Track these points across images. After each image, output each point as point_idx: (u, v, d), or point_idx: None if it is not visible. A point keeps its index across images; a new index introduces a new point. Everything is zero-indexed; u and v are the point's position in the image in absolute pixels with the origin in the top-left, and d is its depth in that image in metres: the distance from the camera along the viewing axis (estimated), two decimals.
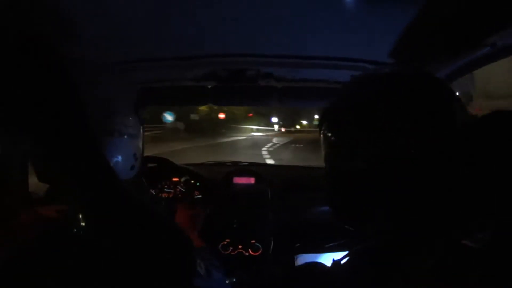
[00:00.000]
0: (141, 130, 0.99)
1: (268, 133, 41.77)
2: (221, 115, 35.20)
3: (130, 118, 0.94)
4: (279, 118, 56.53)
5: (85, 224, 0.61)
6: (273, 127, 51.31)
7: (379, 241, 0.61)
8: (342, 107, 0.70)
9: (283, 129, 51.53)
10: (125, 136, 0.89)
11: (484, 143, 0.50)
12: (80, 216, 0.62)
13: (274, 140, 26.57)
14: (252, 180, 2.07)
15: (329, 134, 0.71)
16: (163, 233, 0.68)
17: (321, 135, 0.75)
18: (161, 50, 1.39)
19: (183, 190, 1.99)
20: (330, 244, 1.52)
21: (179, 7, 1.02)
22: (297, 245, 1.68)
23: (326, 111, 0.74)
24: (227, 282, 1.12)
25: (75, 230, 0.60)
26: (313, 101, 1.91)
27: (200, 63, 1.49)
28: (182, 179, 2.01)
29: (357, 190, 0.66)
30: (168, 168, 2.04)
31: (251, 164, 2.34)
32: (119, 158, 0.87)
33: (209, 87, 1.74)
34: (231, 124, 38.52)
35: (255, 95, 1.86)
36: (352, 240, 0.78)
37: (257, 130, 43.51)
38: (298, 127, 59.42)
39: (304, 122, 65.08)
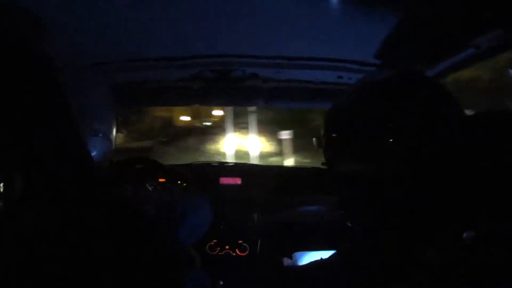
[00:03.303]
0: (114, 132, 0.97)
1: None
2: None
3: (105, 118, 0.92)
4: None
5: (65, 225, 0.61)
6: None
7: (369, 239, 0.62)
8: (348, 110, 0.72)
9: None
10: (98, 136, 0.88)
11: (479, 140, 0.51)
12: (60, 216, 0.62)
13: None
14: (238, 181, 2.07)
15: (335, 135, 0.73)
16: (149, 237, 0.68)
17: (325, 137, 0.76)
18: (146, 51, 1.38)
19: (170, 191, 1.98)
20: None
21: (164, 7, 1.02)
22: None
23: (332, 115, 0.76)
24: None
25: (56, 231, 0.60)
26: (300, 101, 1.92)
27: (185, 64, 1.48)
28: (168, 180, 2.00)
29: (360, 188, 0.68)
30: (155, 169, 2.02)
31: (237, 164, 2.34)
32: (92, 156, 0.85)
33: (195, 88, 1.74)
34: None
35: (241, 95, 1.85)
36: (341, 239, 0.79)
37: None
38: None
39: None
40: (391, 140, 0.61)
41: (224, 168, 2.22)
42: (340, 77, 1.56)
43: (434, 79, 0.71)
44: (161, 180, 1.96)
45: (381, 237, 0.60)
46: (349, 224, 0.75)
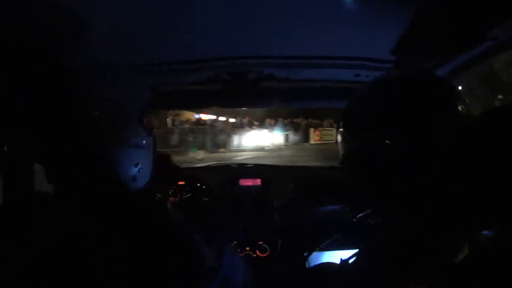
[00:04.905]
0: (147, 140, 0.95)
1: None
2: None
3: (131, 124, 0.91)
4: None
5: (89, 229, 0.62)
6: None
7: (387, 239, 0.61)
8: (360, 109, 0.75)
9: None
10: (123, 143, 0.85)
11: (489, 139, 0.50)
12: (84, 221, 0.63)
13: None
14: (258, 182, 2.07)
15: (348, 133, 0.76)
16: (171, 241, 0.68)
17: (340, 134, 0.80)
18: (162, 55, 1.40)
19: (189, 194, 1.99)
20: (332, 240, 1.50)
21: (180, 11, 1.03)
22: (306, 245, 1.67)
23: (346, 113, 0.79)
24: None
25: (80, 234, 0.61)
26: (317, 101, 1.91)
27: (202, 67, 1.49)
28: (188, 183, 2.01)
29: (373, 186, 0.69)
30: (173, 172, 2.03)
31: (257, 165, 2.33)
32: (118, 166, 0.82)
33: (212, 90, 1.74)
34: None
35: (258, 96, 1.85)
36: (362, 239, 0.80)
37: None
38: None
39: None
40: (399, 138, 0.64)
41: (243, 170, 2.22)
42: (357, 75, 1.54)
43: (442, 78, 0.73)
44: (180, 183, 1.98)
45: (399, 236, 0.59)
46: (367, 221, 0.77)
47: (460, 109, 0.64)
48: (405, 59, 1.35)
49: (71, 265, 0.57)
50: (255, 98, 1.89)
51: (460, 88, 1.36)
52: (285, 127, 19.25)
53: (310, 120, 20.17)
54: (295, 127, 19.61)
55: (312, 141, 18.96)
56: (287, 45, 1.34)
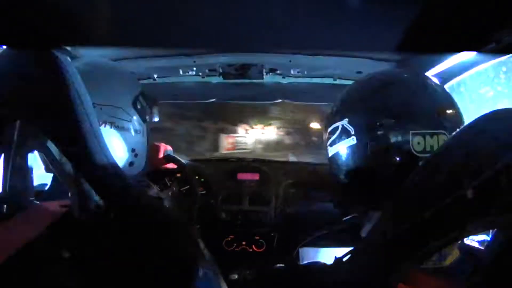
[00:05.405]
0: (144, 127, 0.96)
1: None
2: None
3: (125, 110, 0.90)
4: None
5: (88, 219, 0.62)
6: None
7: (380, 237, 0.61)
8: (340, 109, 0.79)
9: None
10: (118, 129, 0.86)
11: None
12: (83, 211, 0.63)
13: None
14: (256, 176, 2.05)
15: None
16: (167, 232, 0.68)
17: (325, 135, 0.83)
18: (165, 46, 1.39)
19: (187, 186, 1.98)
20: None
21: (183, 2, 1.02)
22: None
23: (333, 111, 0.80)
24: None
25: (79, 225, 0.61)
26: (319, 97, 1.90)
27: (204, 59, 1.49)
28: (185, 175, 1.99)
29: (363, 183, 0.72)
30: (172, 163, 2.02)
31: (255, 160, 2.32)
32: (113, 150, 0.82)
33: (214, 83, 1.74)
34: None
35: (260, 91, 1.85)
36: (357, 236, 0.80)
37: None
38: None
39: None
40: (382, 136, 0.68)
41: (242, 164, 2.21)
42: (359, 72, 1.54)
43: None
44: (178, 175, 1.96)
45: (391, 238, 0.58)
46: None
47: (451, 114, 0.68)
48: (408, 59, 1.34)
49: (68, 262, 0.57)
50: (256, 92, 1.89)
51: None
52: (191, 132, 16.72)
53: (221, 124, 17.06)
54: (203, 133, 16.62)
55: (223, 150, 16.63)
56: (290, 40, 1.33)
